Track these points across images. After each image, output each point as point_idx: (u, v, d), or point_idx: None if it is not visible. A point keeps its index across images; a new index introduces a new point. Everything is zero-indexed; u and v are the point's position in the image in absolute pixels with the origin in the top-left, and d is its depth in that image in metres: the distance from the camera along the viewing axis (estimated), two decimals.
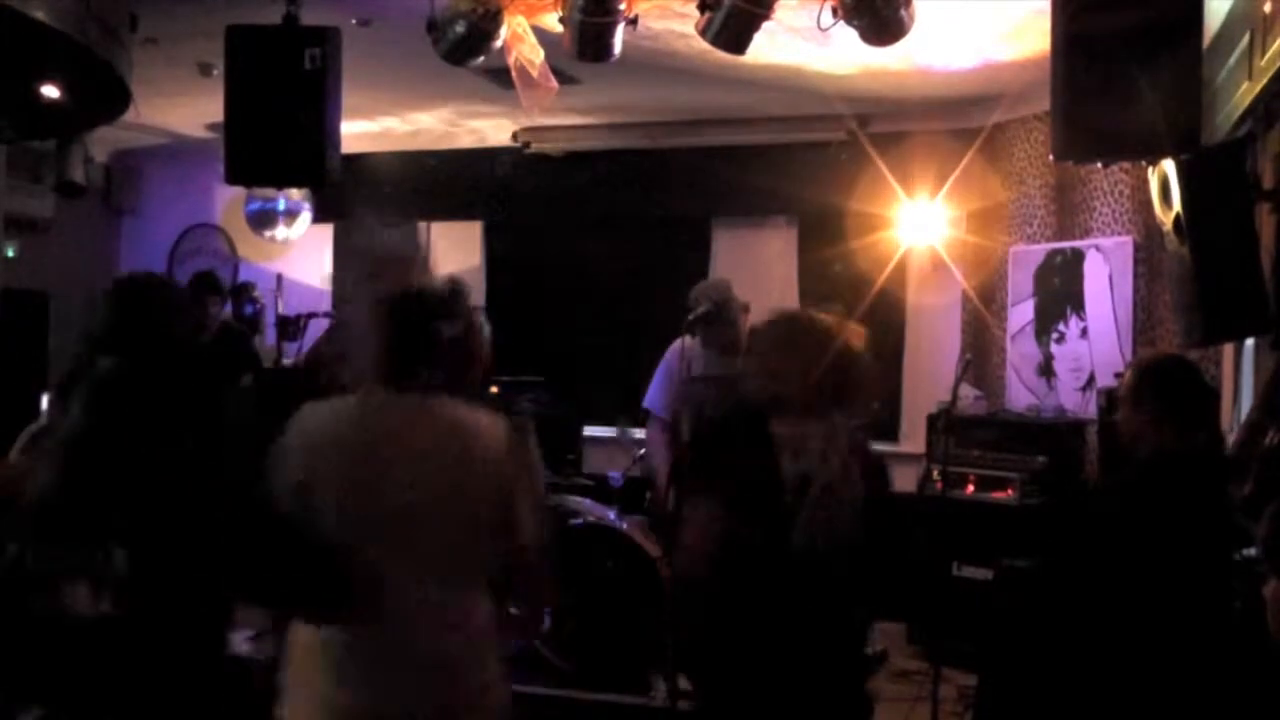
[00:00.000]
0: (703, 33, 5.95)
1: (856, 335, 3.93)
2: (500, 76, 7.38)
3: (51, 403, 4.08)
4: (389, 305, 3.32)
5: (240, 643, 6.44)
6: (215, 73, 7.79)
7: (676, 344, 6.71)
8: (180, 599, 3.34)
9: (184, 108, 9.64)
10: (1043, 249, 8.68)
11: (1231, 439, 5.39)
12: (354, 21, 7.14)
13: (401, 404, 3.32)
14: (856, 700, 3.84)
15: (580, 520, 7.28)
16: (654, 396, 6.98)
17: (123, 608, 3.26)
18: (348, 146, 6.93)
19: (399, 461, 3.24)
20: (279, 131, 6.49)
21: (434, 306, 3.35)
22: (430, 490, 3.23)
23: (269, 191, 10.23)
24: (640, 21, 6.19)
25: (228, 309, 10.51)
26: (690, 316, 6.52)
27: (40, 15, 5.09)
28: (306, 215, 10.76)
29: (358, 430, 3.32)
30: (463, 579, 3.30)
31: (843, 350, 3.83)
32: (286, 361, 9.96)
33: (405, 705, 3.23)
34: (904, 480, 8.56)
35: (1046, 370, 8.55)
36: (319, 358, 8.18)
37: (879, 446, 9.43)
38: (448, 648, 3.27)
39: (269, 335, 10.41)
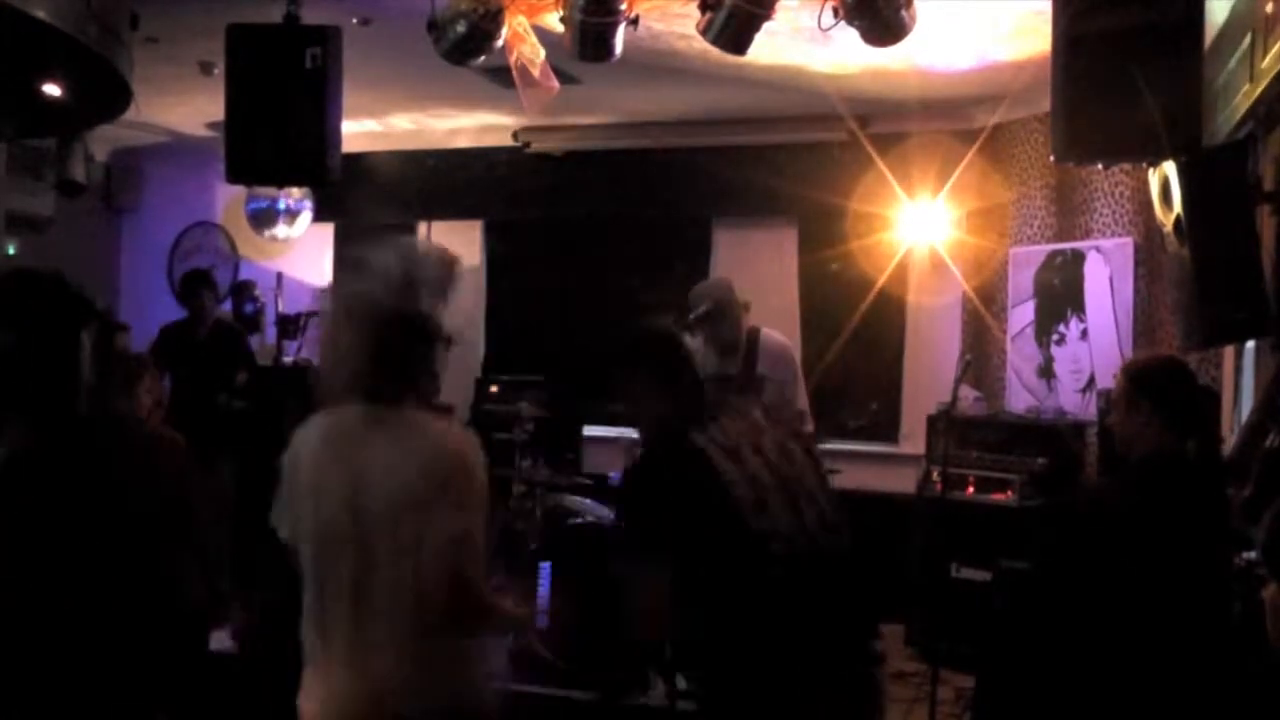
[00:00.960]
0: (703, 33, 5.95)
1: None
2: (501, 76, 7.38)
3: None
4: (371, 325, 3.38)
5: (225, 639, 6.47)
6: (216, 71, 7.80)
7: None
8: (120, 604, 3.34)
9: (185, 106, 9.64)
10: (1043, 250, 8.68)
11: (1231, 441, 5.40)
12: (355, 21, 7.14)
13: (372, 416, 3.37)
14: (864, 693, 3.71)
15: (579, 519, 7.28)
16: None
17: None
18: (348, 145, 6.94)
19: (364, 472, 3.30)
20: (280, 130, 6.50)
21: (416, 329, 3.43)
22: (395, 499, 3.27)
23: (270, 190, 10.24)
24: (641, 21, 6.19)
25: (227, 307, 10.54)
26: (691, 316, 6.51)
27: (41, 14, 5.09)
28: (307, 214, 10.76)
29: (327, 443, 3.40)
30: (418, 588, 3.30)
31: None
32: (286, 360, 9.98)
33: (385, 707, 3.28)
34: (903, 481, 8.60)
35: (1046, 372, 8.55)
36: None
37: (877, 448, 9.49)
38: (419, 653, 3.29)
39: (269, 333, 10.43)
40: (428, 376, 3.50)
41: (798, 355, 7.09)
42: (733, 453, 3.47)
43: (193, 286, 9.31)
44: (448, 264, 3.64)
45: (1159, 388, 4.38)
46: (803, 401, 6.78)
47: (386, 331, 3.38)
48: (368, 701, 3.27)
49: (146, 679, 3.51)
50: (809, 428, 6.48)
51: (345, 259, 3.33)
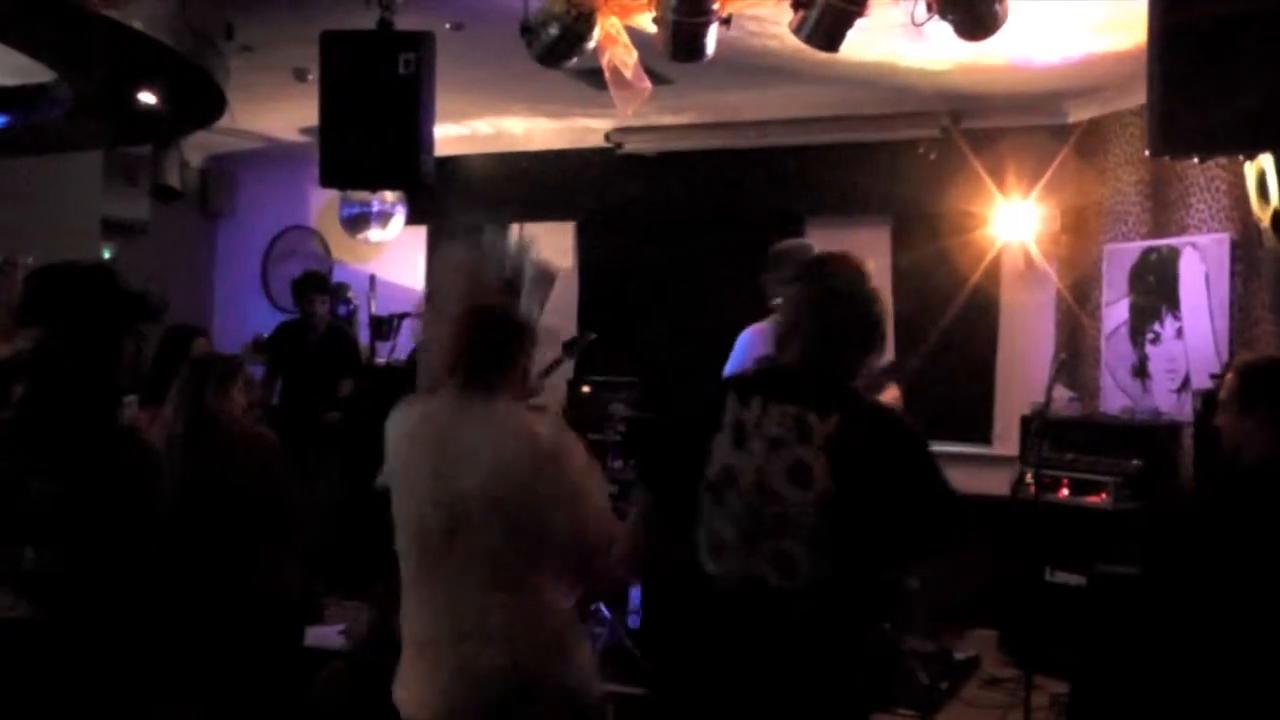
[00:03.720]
0: (796, 31, 5.93)
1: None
2: (593, 78, 7.40)
3: None
4: (473, 320, 3.55)
5: (333, 636, 6.54)
6: (310, 78, 7.86)
7: (754, 326, 6.63)
8: (106, 597, 3.37)
9: (278, 112, 9.74)
10: (1138, 247, 8.58)
11: None
12: (447, 25, 7.18)
13: (463, 405, 3.53)
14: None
15: None
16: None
17: (40, 609, 3.29)
18: (441, 149, 6.98)
19: (457, 457, 3.44)
20: (373, 135, 6.56)
21: (511, 325, 3.63)
22: (483, 485, 3.40)
23: (363, 194, 10.33)
24: (733, 20, 6.19)
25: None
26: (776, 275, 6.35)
27: (138, 24, 5.17)
28: (400, 217, 10.86)
29: (427, 426, 3.58)
30: (517, 571, 3.44)
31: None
32: (380, 360, 10.07)
33: (467, 693, 3.39)
34: (996, 483, 8.52)
35: (1141, 371, 8.45)
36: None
37: (970, 449, 9.37)
38: (509, 637, 3.39)
39: (363, 335, 10.52)
40: (521, 372, 3.62)
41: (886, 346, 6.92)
42: (740, 439, 3.18)
43: (304, 289, 9.42)
44: (547, 272, 3.75)
45: (1274, 389, 4.30)
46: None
47: (482, 325, 3.54)
48: (469, 684, 3.38)
49: (235, 665, 3.57)
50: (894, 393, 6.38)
51: (445, 255, 3.40)
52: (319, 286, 9.51)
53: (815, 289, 3.46)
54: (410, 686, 3.51)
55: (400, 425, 3.64)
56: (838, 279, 3.48)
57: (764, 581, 3.11)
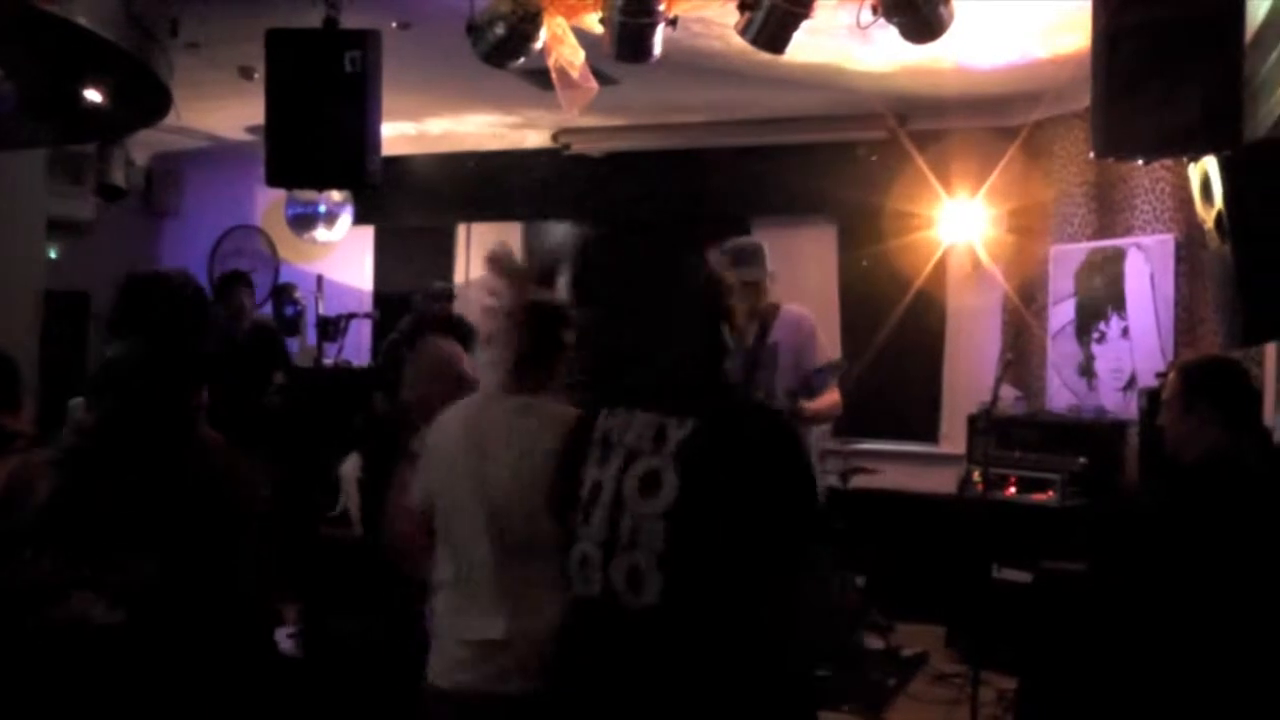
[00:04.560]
0: (742, 32, 5.94)
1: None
2: (540, 78, 7.39)
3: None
4: (521, 315, 3.56)
5: (282, 640, 6.49)
6: (256, 76, 7.83)
7: None
8: (200, 607, 3.40)
9: (224, 111, 9.69)
10: (1083, 248, 8.64)
11: (1275, 438, 5.37)
12: (394, 24, 7.16)
13: (509, 402, 3.56)
14: None
15: None
16: None
17: (138, 617, 3.32)
18: (388, 149, 6.95)
19: (495, 455, 3.48)
20: (319, 134, 6.52)
21: (560, 317, 3.66)
22: (519, 482, 3.44)
23: (310, 194, 10.28)
24: (680, 22, 6.19)
25: (268, 310, 10.58)
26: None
27: (82, 20, 5.12)
28: (347, 217, 10.81)
29: (466, 427, 3.60)
30: (529, 574, 3.45)
31: None
32: (327, 361, 10.01)
33: (492, 686, 3.42)
34: (944, 482, 8.58)
35: (1087, 370, 8.51)
36: (399, 355, 8.23)
37: (917, 448, 9.45)
38: (532, 632, 3.40)
39: (310, 336, 10.46)
40: (565, 366, 3.66)
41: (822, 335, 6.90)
42: (604, 453, 3.15)
43: (230, 287, 9.34)
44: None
45: (1215, 388, 4.34)
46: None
47: (531, 322, 3.56)
48: (505, 670, 3.40)
49: (213, 676, 3.57)
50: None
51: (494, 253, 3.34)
52: (242, 283, 9.43)
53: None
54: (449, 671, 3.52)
55: (444, 428, 3.67)
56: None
57: (616, 598, 3.05)
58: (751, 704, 3.06)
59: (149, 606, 3.35)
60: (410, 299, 8.31)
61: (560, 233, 10.93)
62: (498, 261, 3.62)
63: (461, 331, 4.79)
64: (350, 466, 5.15)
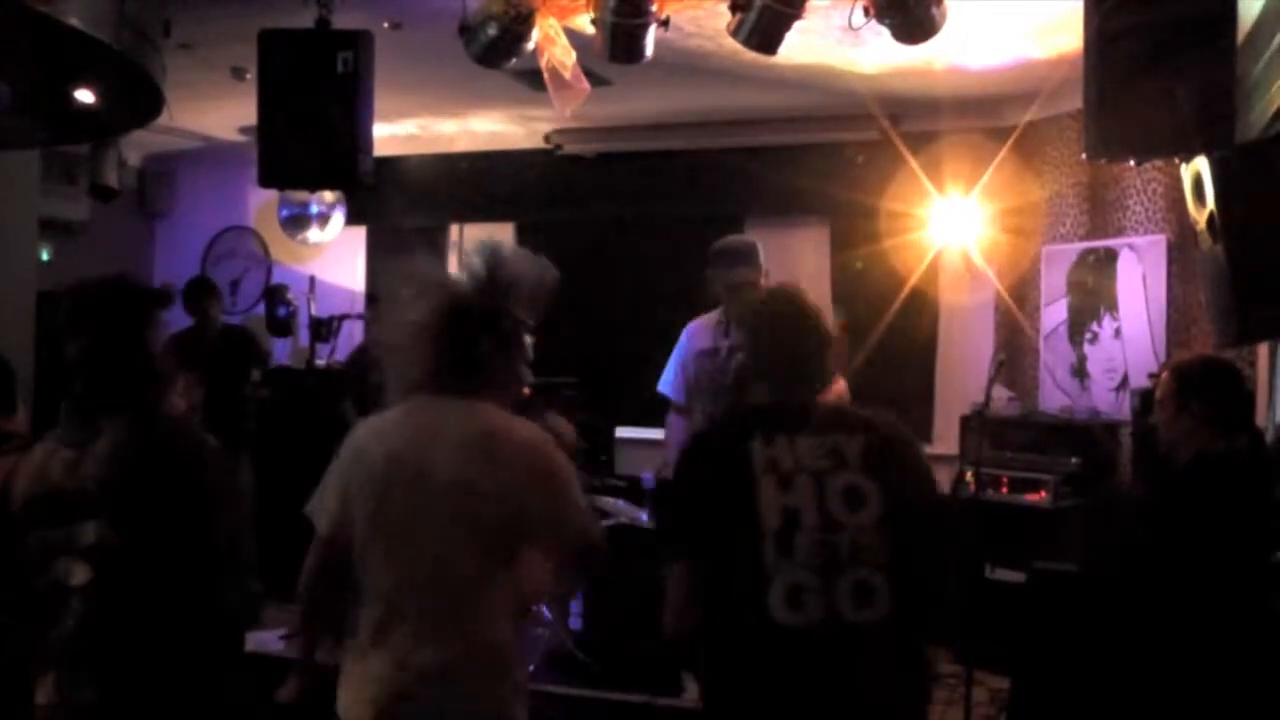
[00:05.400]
0: (734, 33, 5.94)
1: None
2: (532, 79, 7.39)
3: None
4: (438, 319, 3.42)
5: (272, 642, 6.50)
6: (248, 76, 7.83)
7: (698, 319, 6.65)
8: (154, 564, 3.49)
9: (217, 111, 9.68)
10: (1076, 248, 8.65)
11: (1268, 439, 5.37)
12: (386, 25, 7.16)
13: (437, 410, 3.41)
14: None
15: (612, 521, 7.27)
16: (666, 379, 6.77)
17: (97, 574, 3.45)
18: (380, 149, 6.95)
19: (423, 465, 3.32)
20: (312, 135, 6.52)
21: (479, 320, 3.45)
22: (450, 493, 3.29)
23: (302, 195, 10.28)
24: (672, 22, 6.19)
25: (260, 310, 10.58)
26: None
27: (75, 21, 5.12)
28: (339, 218, 10.80)
29: (390, 438, 3.41)
30: (479, 587, 3.32)
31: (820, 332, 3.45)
32: (319, 362, 10.01)
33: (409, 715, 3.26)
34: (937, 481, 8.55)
35: (1080, 371, 8.52)
36: (367, 359, 8.20)
37: None
38: (457, 657, 3.28)
39: (302, 336, 10.46)
40: (507, 374, 3.52)
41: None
42: (785, 479, 3.13)
43: (195, 294, 9.30)
44: (545, 277, 3.67)
45: (1207, 388, 4.35)
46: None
47: (458, 323, 3.42)
48: (404, 695, 3.26)
49: (186, 677, 3.61)
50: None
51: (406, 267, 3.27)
52: (209, 291, 9.41)
53: (774, 328, 3.48)
54: (354, 690, 3.37)
55: (373, 436, 3.46)
56: (788, 316, 3.47)
57: (840, 619, 3.06)
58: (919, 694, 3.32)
59: (112, 568, 3.45)
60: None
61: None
62: (421, 268, 3.59)
63: None
64: None
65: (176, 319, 9.43)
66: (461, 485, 3.28)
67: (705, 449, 3.43)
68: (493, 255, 3.56)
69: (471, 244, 3.69)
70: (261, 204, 11.61)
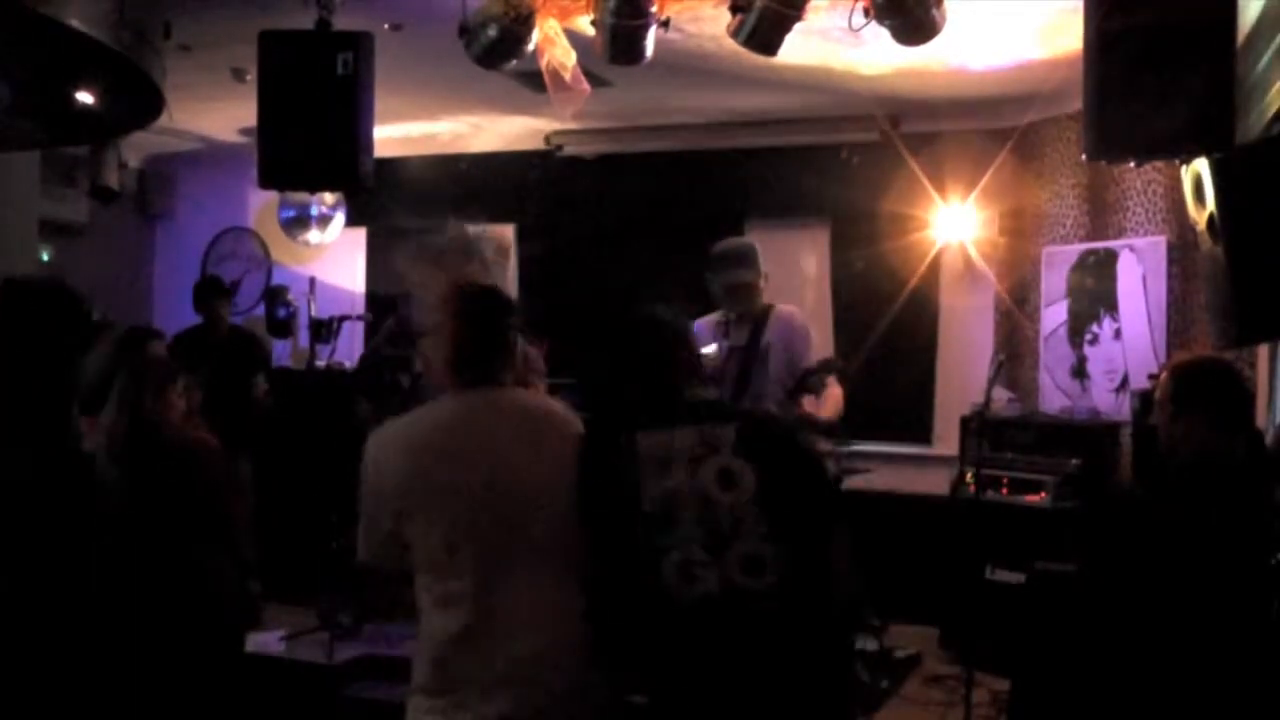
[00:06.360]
0: (734, 35, 5.95)
1: None
2: (532, 80, 7.39)
3: None
4: (462, 305, 3.42)
5: (272, 642, 6.50)
6: (248, 78, 7.83)
7: (697, 321, 6.68)
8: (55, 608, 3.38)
9: (217, 113, 9.68)
10: (1076, 249, 8.65)
11: (1268, 440, 5.37)
12: (386, 26, 7.16)
13: (479, 400, 3.41)
14: None
15: None
16: None
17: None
18: (380, 151, 6.95)
19: (484, 456, 3.32)
20: (312, 136, 6.51)
21: (503, 303, 3.51)
22: (516, 481, 3.31)
23: (302, 196, 10.27)
24: (672, 24, 6.19)
25: (260, 312, 10.58)
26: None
27: (75, 22, 5.13)
28: (339, 219, 10.81)
29: (445, 433, 3.40)
30: (555, 572, 3.33)
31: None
32: (319, 364, 10.01)
33: (499, 706, 3.23)
34: (937, 483, 8.57)
35: (1080, 372, 8.52)
36: (378, 360, 8.18)
37: (910, 449, 9.44)
38: (544, 645, 3.27)
39: (302, 338, 10.46)
40: (515, 355, 3.57)
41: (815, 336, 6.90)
42: (662, 463, 3.30)
43: (206, 294, 9.32)
44: (502, 247, 3.68)
45: (1207, 389, 4.34)
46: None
47: (485, 313, 3.45)
48: (516, 680, 3.24)
49: (183, 679, 3.57)
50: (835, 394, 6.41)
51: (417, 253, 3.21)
52: (220, 291, 9.41)
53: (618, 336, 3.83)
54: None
55: (403, 442, 3.42)
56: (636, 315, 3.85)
57: (736, 587, 3.22)
58: (831, 664, 3.46)
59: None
60: (396, 302, 8.29)
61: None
62: (425, 249, 3.56)
63: None
64: None
65: (185, 318, 9.48)
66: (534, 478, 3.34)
67: (594, 440, 3.54)
68: (472, 238, 3.59)
69: (450, 234, 3.64)
70: (261, 205, 11.61)
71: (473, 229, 3.75)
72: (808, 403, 6.29)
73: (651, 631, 3.30)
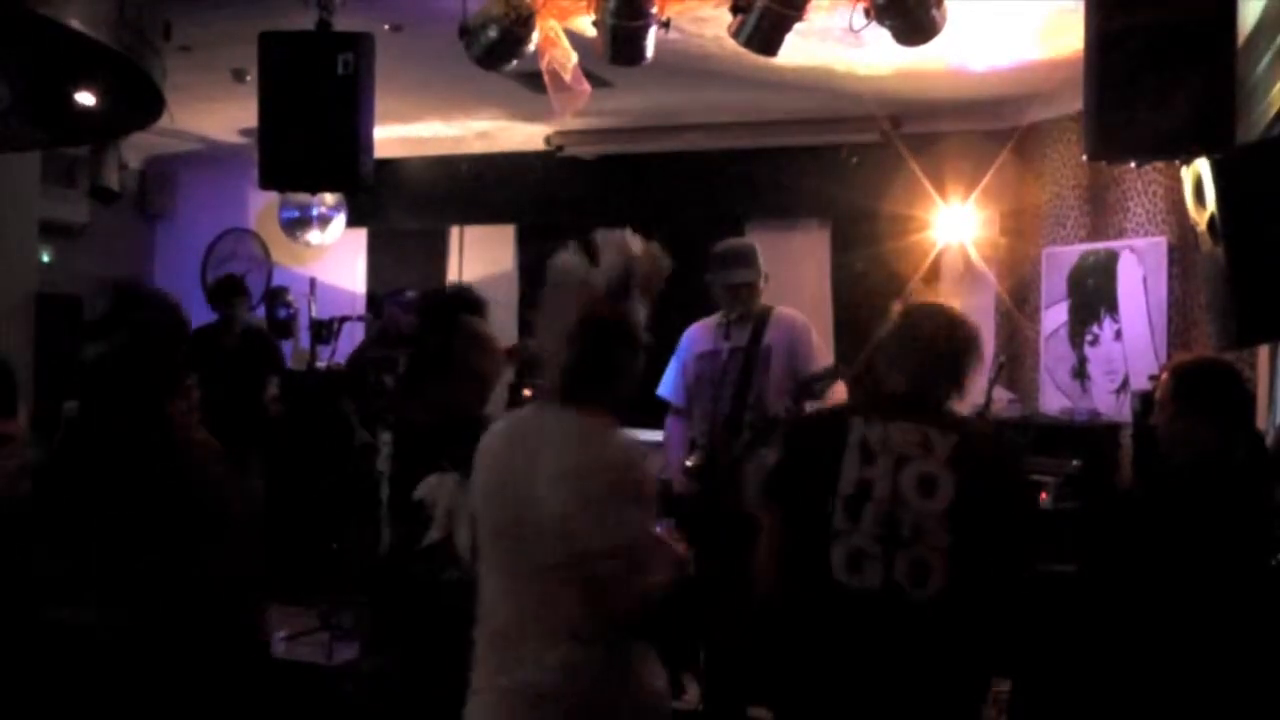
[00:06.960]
0: (734, 35, 5.95)
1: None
2: (533, 80, 7.39)
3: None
4: (581, 328, 3.42)
5: (276, 643, 6.50)
6: (249, 79, 7.83)
7: (698, 323, 6.68)
8: (166, 604, 3.40)
9: (218, 113, 9.68)
10: (1076, 250, 8.64)
11: (1268, 441, 5.37)
12: (386, 27, 7.16)
13: (556, 418, 3.41)
14: None
15: None
16: (665, 382, 6.79)
17: (106, 616, 3.33)
18: (380, 151, 6.95)
19: (536, 474, 3.30)
20: (312, 137, 6.51)
21: (623, 334, 3.49)
22: (562, 503, 3.26)
23: (303, 197, 10.28)
24: (672, 24, 6.19)
25: (261, 313, 10.58)
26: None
27: (75, 23, 5.12)
28: (340, 220, 10.82)
29: (509, 444, 3.46)
30: (565, 593, 3.28)
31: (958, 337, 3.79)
32: (320, 365, 10.01)
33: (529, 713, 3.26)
34: None
35: (1080, 373, 8.51)
36: (363, 361, 8.17)
37: None
38: (558, 661, 3.25)
39: (303, 339, 10.46)
40: (627, 382, 3.52)
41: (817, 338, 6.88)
42: (867, 453, 3.48)
43: (225, 293, 9.34)
44: (659, 265, 3.68)
45: (1207, 390, 4.34)
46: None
47: (594, 335, 3.43)
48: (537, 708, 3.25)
49: (190, 681, 3.57)
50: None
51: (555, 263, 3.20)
52: (239, 290, 9.42)
53: (913, 331, 3.90)
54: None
55: (489, 445, 3.50)
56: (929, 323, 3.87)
57: (900, 590, 3.34)
58: (965, 692, 3.63)
59: (134, 605, 3.35)
60: (381, 303, 8.29)
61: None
62: (573, 275, 3.56)
63: (428, 343, 4.61)
64: (440, 490, 4.37)
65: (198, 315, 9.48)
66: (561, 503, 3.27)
67: (813, 420, 3.90)
68: (623, 248, 3.59)
69: (602, 236, 3.66)
70: (262, 206, 11.62)
71: (601, 236, 3.73)
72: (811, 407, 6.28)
73: (809, 611, 3.45)
